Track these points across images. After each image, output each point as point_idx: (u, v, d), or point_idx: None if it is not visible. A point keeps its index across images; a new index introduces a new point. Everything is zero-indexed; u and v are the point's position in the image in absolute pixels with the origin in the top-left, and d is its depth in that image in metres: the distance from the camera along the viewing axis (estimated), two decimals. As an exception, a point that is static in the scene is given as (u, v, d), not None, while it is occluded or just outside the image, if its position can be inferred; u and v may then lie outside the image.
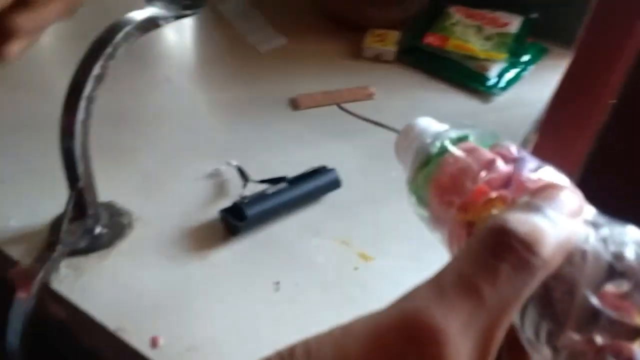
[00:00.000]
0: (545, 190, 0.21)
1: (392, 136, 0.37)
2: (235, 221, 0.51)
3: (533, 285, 0.18)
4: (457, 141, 0.30)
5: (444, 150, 0.29)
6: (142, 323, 0.44)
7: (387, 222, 0.56)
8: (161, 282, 0.48)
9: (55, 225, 0.51)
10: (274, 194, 0.54)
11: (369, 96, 0.76)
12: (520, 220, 0.19)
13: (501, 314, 0.18)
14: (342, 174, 0.59)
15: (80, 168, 0.47)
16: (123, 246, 0.51)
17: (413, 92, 0.79)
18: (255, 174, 0.58)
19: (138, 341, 0.43)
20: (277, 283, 0.49)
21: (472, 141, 0.29)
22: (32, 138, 0.61)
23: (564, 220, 0.20)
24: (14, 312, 0.44)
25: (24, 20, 0.30)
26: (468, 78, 0.79)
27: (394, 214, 0.57)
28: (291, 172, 0.58)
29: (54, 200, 0.51)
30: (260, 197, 0.54)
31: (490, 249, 0.18)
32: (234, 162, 0.60)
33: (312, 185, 0.56)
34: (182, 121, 0.69)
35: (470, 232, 0.25)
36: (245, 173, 0.58)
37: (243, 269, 0.50)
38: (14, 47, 0.33)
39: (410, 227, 0.55)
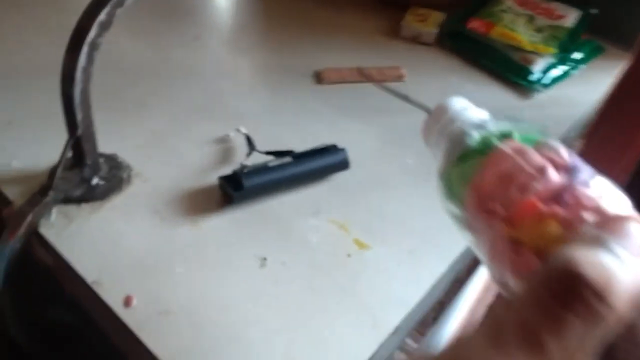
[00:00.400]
0: (612, 221, 0.18)
1: (416, 121, 0.35)
2: (232, 190, 0.50)
3: (602, 337, 0.16)
4: (501, 137, 0.26)
5: (487, 147, 0.26)
6: (120, 280, 0.43)
7: (391, 212, 0.53)
8: (148, 241, 0.47)
9: (53, 170, 0.50)
10: (276, 167, 0.52)
11: (399, 78, 0.72)
12: (590, 263, 0.16)
13: None
14: (355, 155, 0.56)
15: (79, 116, 0.46)
16: (117, 200, 0.50)
17: (448, 78, 0.74)
18: (264, 144, 0.56)
19: (112, 297, 0.42)
20: (264, 259, 0.47)
21: (516, 139, 0.26)
22: (45, 82, 0.61)
23: (635, 260, 0.17)
24: (0, 251, 0.44)
25: None
26: (509, 70, 0.73)
27: (400, 205, 0.53)
28: (303, 147, 0.55)
29: (58, 146, 0.50)
30: (261, 168, 0.51)
31: (557, 297, 0.16)
32: (243, 130, 0.58)
33: (318, 163, 0.54)
34: (201, 82, 0.68)
35: (518, 251, 0.22)
36: (252, 142, 0.56)
37: (232, 239, 0.48)
38: None
39: (414, 221, 0.52)
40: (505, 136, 0.26)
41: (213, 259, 0.46)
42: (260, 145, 0.56)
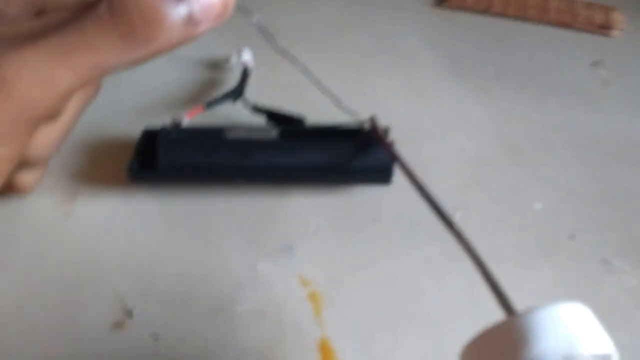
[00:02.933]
0: None
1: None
2: (136, 164, 0.27)
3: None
4: None
5: None
6: None
7: (411, 286, 0.24)
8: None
9: None
10: (238, 143, 0.27)
11: (604, 28, 0.38)
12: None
13: None
14: (445, 159, 0.27)
15: None
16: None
17: None
18: (285, 98, 0.31)
19: None
20: (130, 313, 0.24)
21: None
22: None
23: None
24: None
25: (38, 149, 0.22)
26: None
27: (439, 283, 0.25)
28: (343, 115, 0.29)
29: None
30: (207, 137, 0.27)
31: None
32: (246, 55, 0.33)
33: (320, 159, 0.27)
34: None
35: None
36: (245, 80, 0.31)
37: (101, 251, 0.26)
38: (29, 177, 0.24)
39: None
40: None
41: (41, 278, 0.25)
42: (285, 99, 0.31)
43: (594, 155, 0.31)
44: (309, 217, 0.27)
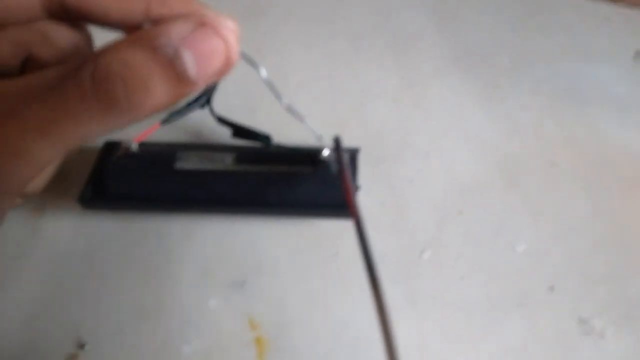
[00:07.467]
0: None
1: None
2: (90, 188, 0.26)
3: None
4: None
5: None
6: None
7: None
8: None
9: None
10: (185, 173, 0.25)
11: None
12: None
13: None
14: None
15: None
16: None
17: None
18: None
19: None
20: (81, 347, 0.25)
21: None
22: None
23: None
24: None
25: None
26: None
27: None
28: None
29: None
30: (161, 165, 0.25)
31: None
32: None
33: (277, 190, 0.25)
34: None
35: None
36: (214, 84, 0.29)
37: (65, 280, 0.27)
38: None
39: None
40: None
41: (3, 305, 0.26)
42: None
43: (608, 185, 0.27)
44: (265, 250, 0.26)
